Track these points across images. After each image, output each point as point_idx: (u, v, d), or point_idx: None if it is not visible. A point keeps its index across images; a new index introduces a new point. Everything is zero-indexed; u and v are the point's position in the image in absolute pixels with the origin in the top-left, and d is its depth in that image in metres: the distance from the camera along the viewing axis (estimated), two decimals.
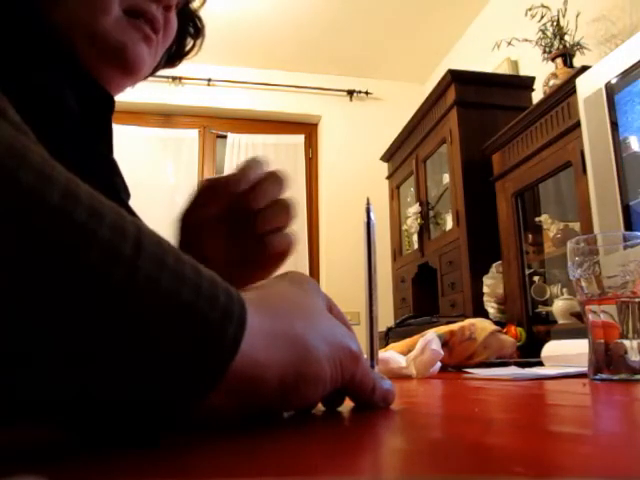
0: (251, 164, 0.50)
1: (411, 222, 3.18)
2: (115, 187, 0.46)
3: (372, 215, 0.44)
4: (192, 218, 0.51)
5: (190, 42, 0.68)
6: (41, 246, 0.18)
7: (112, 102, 0.51)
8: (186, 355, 0.21)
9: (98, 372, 0.20)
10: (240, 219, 0.49)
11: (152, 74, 0.68)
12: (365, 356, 0.36)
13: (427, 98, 2.98)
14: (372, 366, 0.39)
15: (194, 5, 0.66)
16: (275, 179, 0.50)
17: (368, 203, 0.44)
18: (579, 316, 1.83)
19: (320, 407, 0.35)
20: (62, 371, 0.20)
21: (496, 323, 1.30)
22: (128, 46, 0.51)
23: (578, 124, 1.78)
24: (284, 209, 0.50)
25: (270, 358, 0.26)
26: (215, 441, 0.23)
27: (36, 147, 0.19)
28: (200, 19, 0.68)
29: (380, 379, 0.34)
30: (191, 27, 0.67)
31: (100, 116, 0.48)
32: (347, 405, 0.34)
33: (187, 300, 0.21)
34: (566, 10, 2.37)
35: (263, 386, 0.25)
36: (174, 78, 3.75)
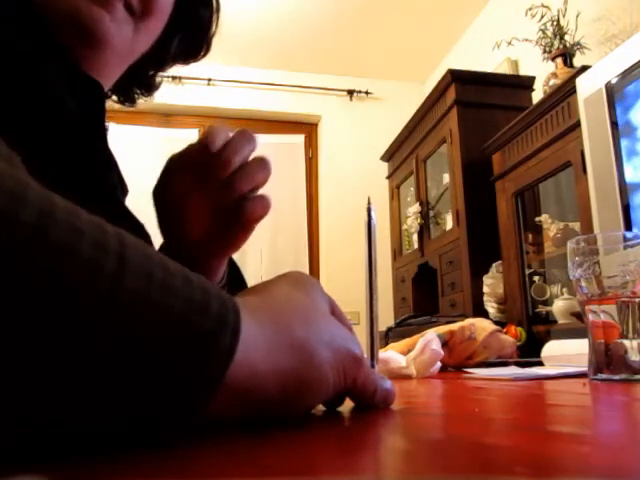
0: (213, 131, 0.46)
1: (411, 222, 3.18)
2: (110, 183, 0.45)
3: (373, 215, 0.44)
4: (170, 193, 0.48)
5: (206, 20, 0.64)
6: (17, 268, 0.17)
7: (102, 91, 0.49)
8: (179, 368, 0.21)
9: (88, 391, 0.20)
10: (223, 201, 0.48)
11: (166, 62, 0.64)
12: (365, 355, 0.36)
13: (427, 98, 2.98)
14: (372, 366, 0.39)
15: None
16: (259, 164, 0.48)
17: (369, 203, 0.44)
18: (579, 316, 1.83)
19: (320, 407, 0.34)
20: (52, 393, 0.19)
21: (496, 323, 1.30)
22: (81, 10, 0.47)
23: (578, 124, 1.78)
24: (261, 165, 0.48)
25: (270, 366, 0.25)
26: (215, 441, 0.23)
27: (7, 169, 0.19)
28: None
29: (381, 379, 0.34)
30: (204, 4, 0.63)
31: (92, 108, 0.47)
32: (347, 405, 0.34)
33: (178, 312, 0.21)
34: (566, 10, 2.37)
35: (263, 395, 0.25)
36: (174, 77, 3.74)
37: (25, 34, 0.41)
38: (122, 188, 0.53)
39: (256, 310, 0.27)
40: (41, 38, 0.43)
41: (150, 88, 0.67)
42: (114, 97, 0.65)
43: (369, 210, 0.44)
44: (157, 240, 0.47)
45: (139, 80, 0.65)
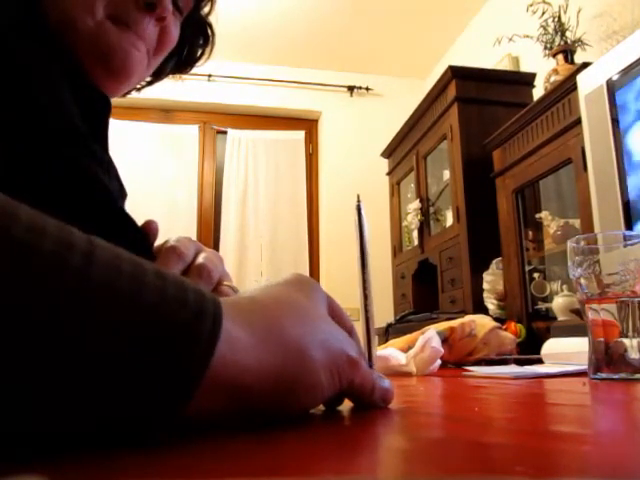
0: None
1: (411, 218, 3.18)
2: (109, 191, 0.44)
3: (363, 212, 0.43)
4: None
5: (200, 49, 0.68)
6: None
7: (108, 103, 0.50)
8: (156, 358, 0.21)
9: (58, 385, 0.19)
10: None
11: (157, 80, 0.68)
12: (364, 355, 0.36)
13: (428, 94, 2.98)
14: (370, 366, 0.39)
15: (204, 10, 0.65)
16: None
17: (358, 200, 0.43)
18: (579, 313, 1.84)
19: (319, 407, 0.34)
20: (21, 387, 0.19)
21: (496, 319, 1.30)
22: (116, 49, 0.50)
23: (579, 121, 1.78)
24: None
25: (258, 364, 0.25)
26: (215, 441, 0.23)
27: None
28: (211, 26, 0.67)
29: (379, 378, 0.34)
30: (201, 35, 0.66)
31: (96, 117, 0.47)
32: (347, 405, 0.34)
33: (149, 302, 0.21)
34: (567, 6, 2.36)
35: (252, 393, 0.25)
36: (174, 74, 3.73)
37: (27, 39, 0.41)
38: (121, 192, 0.53)
39: (245, 308, 0.27)
40: (45, 44, 0.43)
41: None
42: None
43: (359, 208, 0.43)
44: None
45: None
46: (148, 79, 0.66)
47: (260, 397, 0.25)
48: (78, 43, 0.48)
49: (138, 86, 0.67)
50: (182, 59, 0.67)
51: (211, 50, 0.68)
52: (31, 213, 0.19)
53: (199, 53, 0.68)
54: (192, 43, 0.66)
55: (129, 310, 0.20)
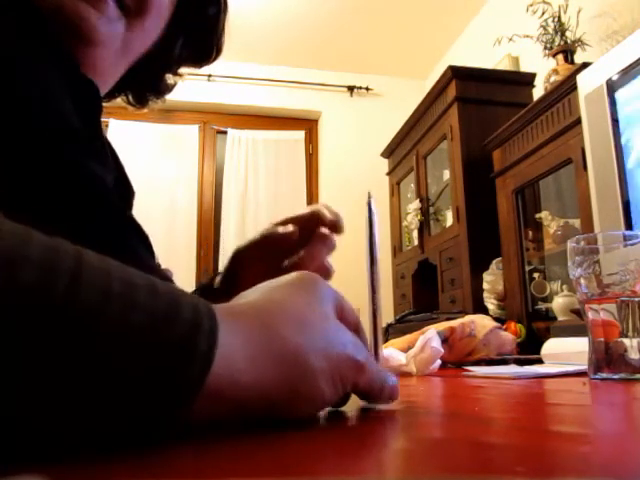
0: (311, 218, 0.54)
1: (411, 218, 3.18)
2: (104, 185, 0.43)
3: (374, 209, 0.43)
4: (242, 256, 0.57)
5: (212, 20, 0.61)
6: None
7: (97, 91, 0.46)
8: (150, 379, 0.21)
9: (55, 405, 0.19)
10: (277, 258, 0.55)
11: (181, 65, 0.63)
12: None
13: (428, 94, 2.98)
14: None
15: None
16: (324, 241, 0.54)
17: (369, 197, 0.43)
18: (579, 313, 1.83)
19: None
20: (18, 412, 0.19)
21: (496, 319, 1.30)
22: (66, 7, 0.45)
23: (579, 121, 1.78)
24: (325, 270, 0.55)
25: (254, 377, 0.24)
26: (215, 441, 0.23)
27: None
28: None
29: (386, 375, 0.33)
30: (212, 4, 0.60)
31: (87, 107, 0.45)
32: (348, 405, 0.34)
33: (139, 324, 0.20)
34: (567, 6, 2.36)
35: (251, 407, 0.25)
36: (174, 73, 3.73)
37: (25, 32, 0.40)
38: (127, 189, 0.52)
39: (243, 316, 0.26)
40: (41, 35, 0.42)
41: (160, 91, 0.65)
42: (124, 98, 0.64)
43: (369, 205, 0.43)
44: (155, 240, 0.46)
45: (147, 82, 0.63)
46: (161, 68, 0.62)
47: (258, 409, 0.25)
48: (50, 20, 0.44)
49: (159, 75, 0.63)
50: (195, 34, 0.61)
51: (224, 19, 0.62)
52: (13, 233, 0.19)
53: (212, 24, 0.61)
54: (199, 12, 0.59)
55: (118, 334, 0.20)
